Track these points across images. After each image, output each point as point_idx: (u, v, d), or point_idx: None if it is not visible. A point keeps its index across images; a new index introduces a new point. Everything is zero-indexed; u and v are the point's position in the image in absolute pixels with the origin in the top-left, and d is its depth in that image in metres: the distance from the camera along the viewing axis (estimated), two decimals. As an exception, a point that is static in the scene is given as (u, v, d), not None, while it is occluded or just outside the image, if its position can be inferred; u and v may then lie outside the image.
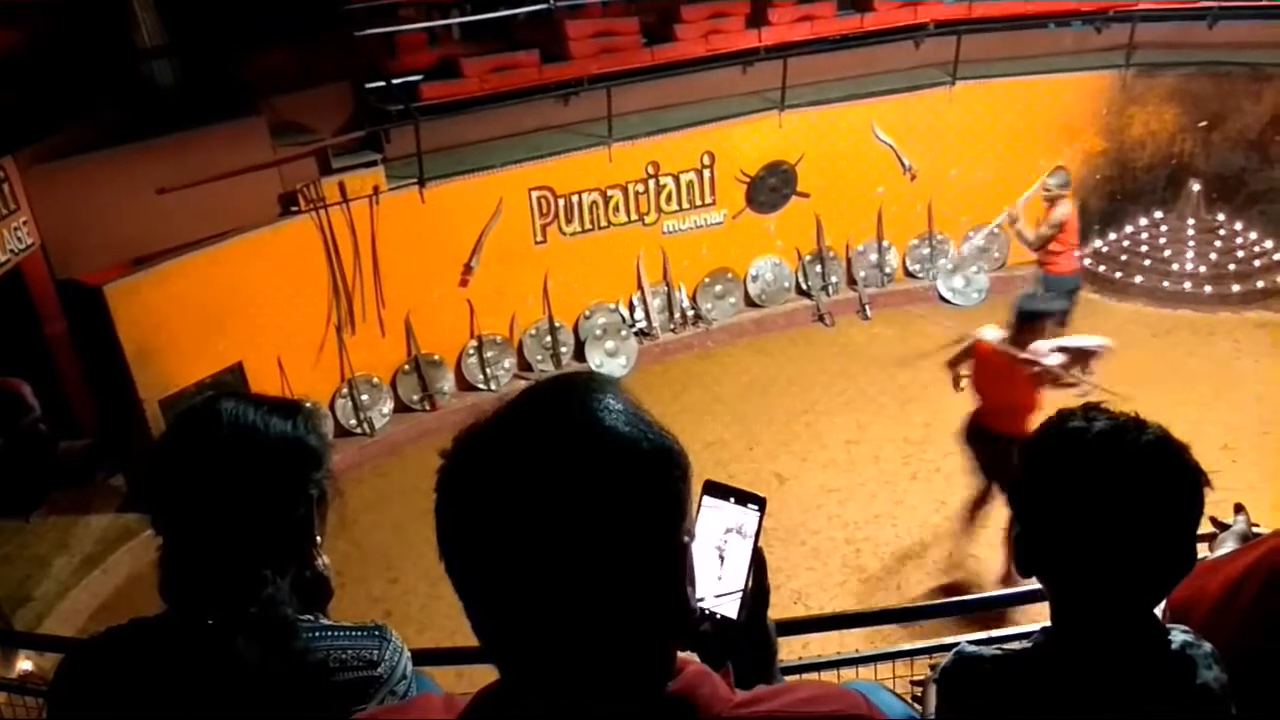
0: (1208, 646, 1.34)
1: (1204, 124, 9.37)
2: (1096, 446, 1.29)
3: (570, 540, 0.81)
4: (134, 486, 7.14)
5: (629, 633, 0.85)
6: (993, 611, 3.90)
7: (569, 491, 0.82)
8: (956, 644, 1.47)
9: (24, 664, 4.38)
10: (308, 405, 1.48)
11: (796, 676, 2.81)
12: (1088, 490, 1.28)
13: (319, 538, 1.44)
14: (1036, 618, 3.20)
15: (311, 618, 1.40)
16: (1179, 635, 1.34)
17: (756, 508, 1.12)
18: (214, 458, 1.31)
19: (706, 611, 1.11)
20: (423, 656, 2.06)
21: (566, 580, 0.82)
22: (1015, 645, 1.50)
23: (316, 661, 1.31)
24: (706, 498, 1.13)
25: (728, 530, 1.12)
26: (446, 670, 2.92)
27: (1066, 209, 7.30)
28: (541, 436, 0.85)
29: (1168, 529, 1.28)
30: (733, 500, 1.12)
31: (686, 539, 0.89)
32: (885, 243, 9.87)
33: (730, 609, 1.11)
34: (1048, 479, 1.33)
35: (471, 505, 0.85)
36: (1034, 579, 1.40)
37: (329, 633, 1.37)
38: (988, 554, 5.87)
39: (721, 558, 1.12)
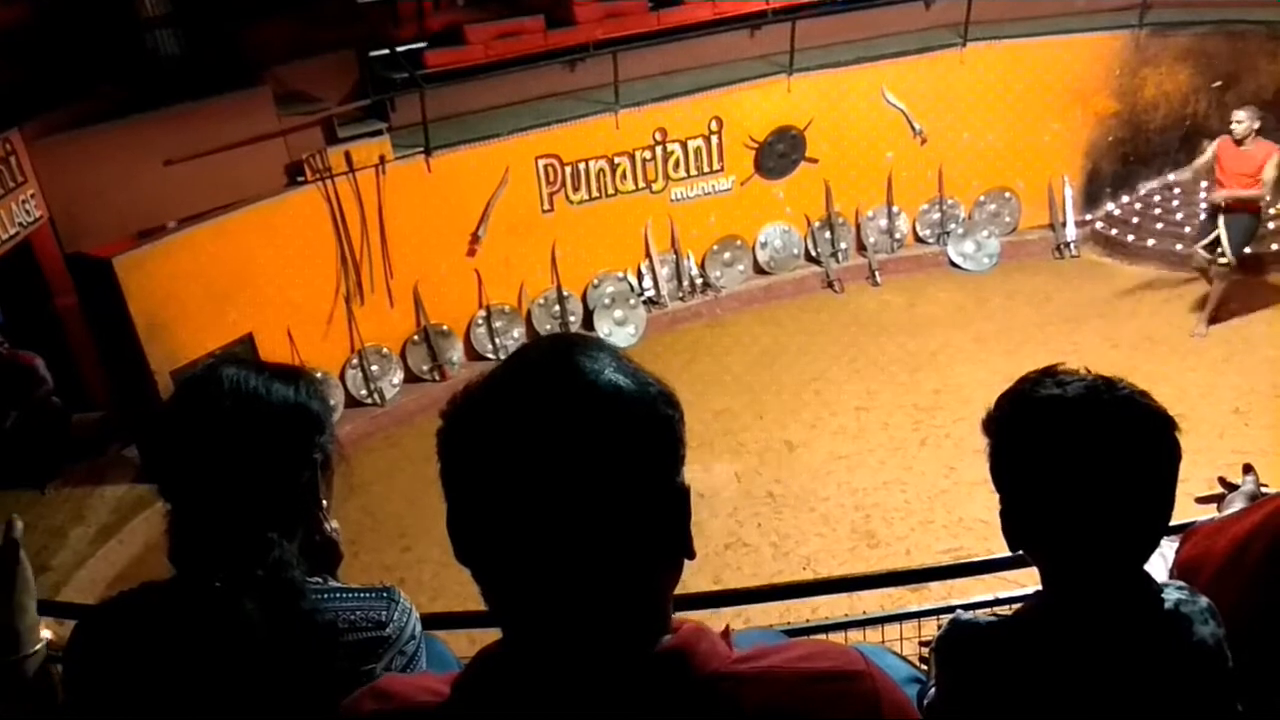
0: (1204, 601, 1.33)
1: (1218, 84, 9.23)
2: (1078, 411, 1.27)
3: (582, 487, 0.81)
4: (146, 457, 7.21)
5: (637, 581, 0.86)
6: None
7: (581, 438, 0.82)
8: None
9: (44, 632, 4.44)
10: (310, 371, 1.48)
11: (805, 638, 2.83)
12: (1076, 456, 1.26)
13: (326, 502, 1.45)
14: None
15: (320, 580, 1.41)
16: (1173, 593, 1.33)
17: None
18: (216, 424, 1.31)
19: None
20: (433, 621, 2.08)
21: (579, 529, 0.82)
22: (1010, 610, 1.50)
23: (324, 622, 1.32)
24: None
25: None
26: (459, 635, 2.95)
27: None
28: (547, 387, 0.85)
29: (1154, 483, 1.27)
30: None
31: (684, 483, 0.90)
32: (895, 208, 9.80)
33: None
34: (1031, 450, 1.31)
35: (478, 458, 0.85)
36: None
37: (337, 594, 1.38)
38: (995, 517, 5.88)
39: None
